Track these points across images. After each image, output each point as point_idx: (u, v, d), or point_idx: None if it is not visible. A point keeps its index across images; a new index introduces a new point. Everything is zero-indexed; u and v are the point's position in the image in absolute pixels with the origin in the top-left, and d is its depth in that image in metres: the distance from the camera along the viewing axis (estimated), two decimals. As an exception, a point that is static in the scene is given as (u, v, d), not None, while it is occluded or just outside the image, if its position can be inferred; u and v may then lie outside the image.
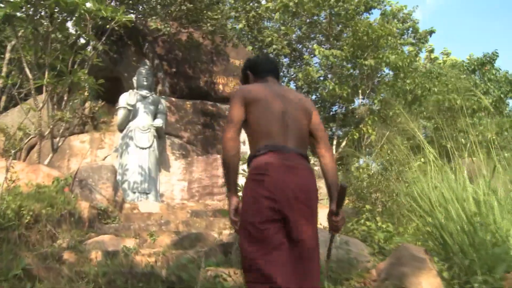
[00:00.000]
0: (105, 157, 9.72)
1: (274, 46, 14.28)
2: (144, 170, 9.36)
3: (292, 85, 16.78)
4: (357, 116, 10.28)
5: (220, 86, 11.65)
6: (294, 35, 15.63)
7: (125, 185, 9.09)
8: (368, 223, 4.47)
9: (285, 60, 16.44)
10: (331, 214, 2.45)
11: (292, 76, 16.40)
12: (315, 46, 12.73)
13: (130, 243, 4.70)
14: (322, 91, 12.80)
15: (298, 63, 16.55)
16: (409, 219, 4.48)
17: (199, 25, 11.05)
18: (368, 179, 5.43)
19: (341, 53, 11.42)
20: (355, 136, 9.42)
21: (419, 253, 3.32)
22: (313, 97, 16.96)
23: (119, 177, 9.26)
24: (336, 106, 15.35)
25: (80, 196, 5.99)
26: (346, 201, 5.97)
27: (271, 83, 2.72)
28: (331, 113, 17.02)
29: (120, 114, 9.89)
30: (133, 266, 3.83)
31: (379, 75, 10.85)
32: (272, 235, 2.21)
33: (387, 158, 5.86)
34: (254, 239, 2.22)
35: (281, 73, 16.83)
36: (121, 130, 9.97)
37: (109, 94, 10.59)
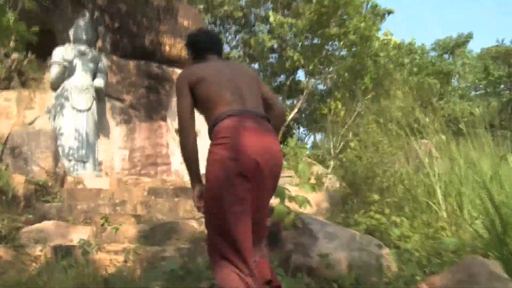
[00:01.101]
0: (35, 119, 8.56)
1: (225, 8, 13.38)
2: (81, 135, 8.37)
3: (237, 51, 16.01)
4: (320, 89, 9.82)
5: (167, 47, 10.67)
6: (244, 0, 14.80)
7: (60, 150, 8.06)
8: (377, 215, 4.01)
9: (233, 28, 15.59)
10: None
11: (239, 43, 15.63)
12: (270, 13, 12.02)
13: (83, 232, 3.90)
14: (278, 60, 12.18)
15: (247, 30, 15.76)
16: (421, 211, 4.06)
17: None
18: (363, 162, 4.92)
19: (297, 21, 10.82)
20: (323, 112, 8.93)
21: (496, 269, 2.75)
22: (257, 66, 16.38)
23: (52, 142, 8.22)
24: (283, 77, 14.83)
25: (13, 167, 5.05)
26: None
27: (212, 60, 2.69)
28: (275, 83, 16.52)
29: (55, 71, 8.72)
30: (102, 275, 3.06)
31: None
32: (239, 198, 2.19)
33: (363, 138, 5.44)
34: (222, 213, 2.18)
35: (227, 39, 16.02)
36: (54, 89, 8.83)
37: (39, 48, 9.37)
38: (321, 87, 12.43)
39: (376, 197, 4.39)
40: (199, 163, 2.44)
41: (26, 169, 5.25)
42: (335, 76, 9.50)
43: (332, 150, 8.95)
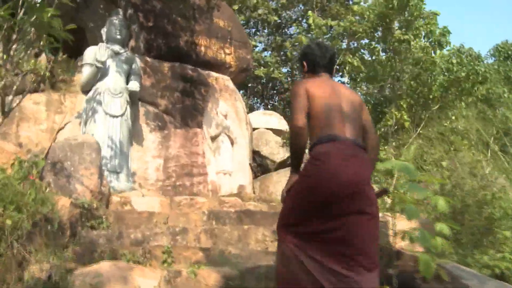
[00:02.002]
0: (65, 124, 7.90)
1: (259, 11, 12.67)
2: (114, 143, 7.68)
3: (269, 55, 15.25)
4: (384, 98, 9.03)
5: (202, 48, 9.98)
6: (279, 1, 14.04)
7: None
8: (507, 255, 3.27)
9: (265, 31, 14.85)
10: None
11: (274, 45, 14.88)
12: (310, 12, 11.28)
13: (151, 276, 3.17)
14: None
15: (279, 32, 15.02)
16: None
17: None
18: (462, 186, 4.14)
19: (339, 23, 10.08)
20: (389, 123, 8.14)
21: None
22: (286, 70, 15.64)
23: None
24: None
25: (54, 186, 4.37)
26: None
27: (325, 78, 2.85)
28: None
29: (87, 72, 8.05)
30: None
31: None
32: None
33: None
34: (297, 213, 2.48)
35: (262, 43, 15.30)
36: (85, 92, 8.16)
37: (68, 47, 8.73)
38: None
39: (507, 234, 3.63)
40: (303, 158, 2.64)
41: (69, 188, 4.56)
42: (399, 84, 8.74)
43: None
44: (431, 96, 7.79)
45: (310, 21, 11.03)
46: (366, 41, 11.95)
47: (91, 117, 7.73)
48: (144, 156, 8.39)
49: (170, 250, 3.70)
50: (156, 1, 9.58)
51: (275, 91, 17.01)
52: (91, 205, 4.41)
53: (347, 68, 8.61)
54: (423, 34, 8.14)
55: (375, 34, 8.73)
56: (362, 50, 12.74)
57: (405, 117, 7.80)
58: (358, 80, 8.79)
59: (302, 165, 2.59)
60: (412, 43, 8.21)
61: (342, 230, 2.37)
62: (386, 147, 8.37)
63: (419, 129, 7.92)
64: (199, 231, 4.34)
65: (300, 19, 15.04)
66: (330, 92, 2.68)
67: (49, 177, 4.55)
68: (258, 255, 3.87)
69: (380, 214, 4.16)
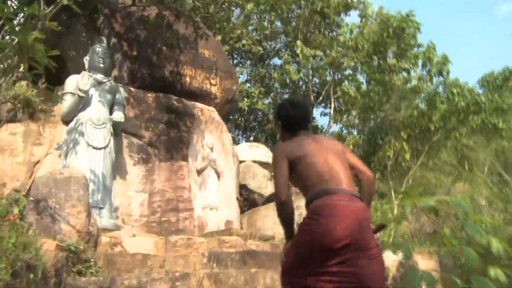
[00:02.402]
0: (44, 156, 7.40)
1: (243, 42, 12.53)
2: (97, 176, 7.22)
3: (251, 86, 15.05)
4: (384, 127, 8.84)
5: (187, 79, 9.70)
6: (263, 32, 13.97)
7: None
8: None
9: (248, 62, 14.70)
10: None
11: (258, 75, 14.70)
12: (298, 42, 11.17)
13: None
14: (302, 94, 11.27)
15: (266, 62, 14.91)
16: None
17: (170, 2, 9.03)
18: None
19: (328, 54, 9.98)
20: (388, 153, 7.90)
21: None
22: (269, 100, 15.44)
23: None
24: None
25: (37, 227, 3.90)
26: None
27: (303, 136, 2.87)
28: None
29: (68, 102, 7.63)
30: None
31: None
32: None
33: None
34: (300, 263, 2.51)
35: (245, 74, 15.15)
36: (66, 123, 7.71)
37: (48, 76, 8.34)
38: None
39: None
40: (294, 223, 2.71)
41: (54, 228, 4.07)
42: (396, 115, 8.59)
43: (395, 204, 7.92)
44: (432, 127, 7.66)
45: (298, 51, 10.92)
46: (349, 71, 11.93)
47: (72, 149, 7.27)
48: (127, 191, 7.92)
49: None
50: (140, 30, 9.31)
51: (256, 123, 16.82)
52: (78, 248, 3.95)
53: (345, 98, 8.45)
54: (420, 63, 8.11)
55: (371, 64, 8.61)
56: (346, 82, 12.73)
57: (406, 147, 7.63)
58: (352, 110, 8.63)
59: (301, 221, 2.60)
60: (411, 72, 8.15)
61: (351, 274, 2.40)
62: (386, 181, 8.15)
63: (420, 159, 7.73)
64: (202, 276, 3.91)
65: (283, 49, 15.05)
66: (312, 149, 2.72)
67: (32, 217, 4.06)
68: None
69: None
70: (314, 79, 13.09)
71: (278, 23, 14.15)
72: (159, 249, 5.08)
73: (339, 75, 12.86)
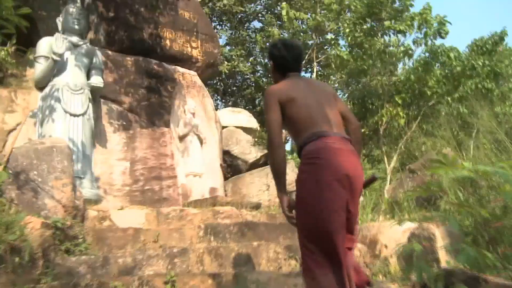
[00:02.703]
0: (17, 125, 7.01)
1: (224, 1, 12.02)
2: (76, 145, 6.88)
3: (232, 49, 14.61)
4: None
5: (167, 42, 9.28)
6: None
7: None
8: None
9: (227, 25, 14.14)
10: None
11: (239, 38, 14.22)
12: (284, 4, 10.74)
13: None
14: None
15: (245, 25, 14.41)
16: None
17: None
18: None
19: (313, 16, 9.64)
20: (384, 119, 7.64)
21: None
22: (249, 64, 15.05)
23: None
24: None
25: (19, 202, 3.60)
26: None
27: (295, 78, 2.85)
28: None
29: (41, 66, 7.18)
30: None
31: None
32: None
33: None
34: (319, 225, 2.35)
35: (225, 37, 14.65)
36: (40, 89, 7.29)
37: (18, 38, 7.84)
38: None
39: None
40: (286, 175, 2.61)
41: (37, 204, 3.77)
42: (395, 78, 8.33)
43: (388, 169, 7.79)
44: (429, 92, 7.44)
45: (284, 13, 10.52)
46: (332, 35, 11.63)
47: (48, 116, 6.89)
48: (108, 159, 7.62)
49: (174, 280, 3.07)
50: (117, -11, 8.78)
51: (236, 88, 16.45)
52: (65, 224, 3.67)
53: (336, 61, 8.16)
54: (416, 25, 7.84)
55: (362, 26, 8.30)
56: (326, 46, 12.44)
57: (401, 113, 7.42)
58: (340, 74, 8.36)
59: (298, 171, 2.56)
60: (406, 34, 7.89)
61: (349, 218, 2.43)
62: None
63: (414, 125, 7.57)
64: (202, 252, 3.69)
65: (263, 12, 14.58)
66: (304, 92, 2.69)
67: (12, 192, 3.72)
68: (278, 279, 3.31)
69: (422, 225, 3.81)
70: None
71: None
72: (151, 222, 4.85)
73: (320, 39, 12.54)
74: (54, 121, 6.85)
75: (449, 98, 7.59)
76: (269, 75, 15.57)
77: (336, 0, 11.22)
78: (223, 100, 16.45)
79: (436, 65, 7.60)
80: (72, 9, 7.69)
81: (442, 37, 7.81)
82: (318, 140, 2.48)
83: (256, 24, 15.15)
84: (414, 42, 8.16)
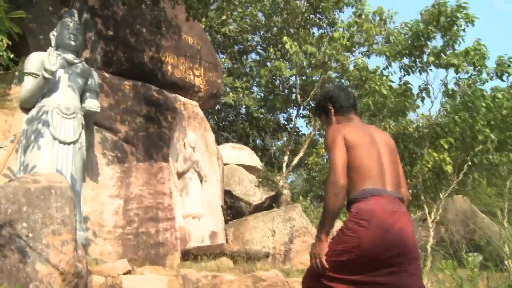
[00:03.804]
0: (-4, 150, 5.94)
1: (230, 27, 11.29)
2: (64, 178, 5.81)
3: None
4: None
5: (169, 67, 8.42)
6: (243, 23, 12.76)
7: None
8: None
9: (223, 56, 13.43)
10: None
11: (238, 69, 13.47)
12: (285, 38, 10.10)
13: None
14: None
15: (244, 56, 13.71)
16: None
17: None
18: None
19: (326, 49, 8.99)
20: (428, 165, 6.79)
21: None
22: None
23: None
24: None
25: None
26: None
27: (357, 121, 2.73)
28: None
29: (30, 85, 6.20)
30: None
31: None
32: None
33: None
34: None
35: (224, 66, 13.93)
36: (26, 110, 6.28)
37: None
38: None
39: None
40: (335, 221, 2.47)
41: (24, 271, 2.65)
42: (438, 118, 7.52)
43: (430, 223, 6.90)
44: (479, 136, 6.66)
45: (287, 46, 9.86)
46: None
47: (34, 142, 5.85)
48: (99, 196, 6.57)
49: None
50: (117, 7, 7.96)
51: (227, 123, 15.57)
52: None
53: (375, 97, 7.39)
54: (468, 61, 7.16)
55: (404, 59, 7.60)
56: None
57: (448, 159, 6.60)
58: (382, 115, 7.57)
59: (343, 225, 2.40)
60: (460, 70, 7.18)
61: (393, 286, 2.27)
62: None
63: (461, 175, 6.75)
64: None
65: (263, 44, 13.94)
66: (368, 138, 2.54)
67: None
68: None
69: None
70: (297, 79, 12.04)
71: (260, 16, 13.08)
72: (174, 288, 3.81)
73: (326, 76, 11.92)
74: (40, 148, 5.81)
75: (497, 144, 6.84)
76: (266, 111, 14.86)
77: (346, 35, 10.67)
78: (215, 135, 15.54)
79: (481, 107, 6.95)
80: (69, 22, 6.78)
81: (503, 80, 7.19)
82: (372, 199, 2.35)
83: (254, 56, 14.48)
84: (457, 82, 7.46)
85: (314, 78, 11.50)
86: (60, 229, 2.94)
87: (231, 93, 12.49)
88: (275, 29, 13.52)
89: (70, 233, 3.02)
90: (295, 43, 10.12)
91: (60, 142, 5.96)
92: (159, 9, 7.66)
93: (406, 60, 7.79)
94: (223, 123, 15.49)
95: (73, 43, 6.68)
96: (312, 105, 12.11)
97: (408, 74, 7.84)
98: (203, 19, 10.18)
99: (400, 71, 7.77)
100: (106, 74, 7.46)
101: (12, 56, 4.95)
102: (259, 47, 14.18)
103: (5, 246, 2.64)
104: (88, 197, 6.36)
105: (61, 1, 7.82)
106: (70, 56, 6.59)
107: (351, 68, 11.49)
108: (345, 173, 2.38)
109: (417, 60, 7.67)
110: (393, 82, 7.94)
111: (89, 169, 6.54)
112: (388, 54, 8.13)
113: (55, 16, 7.63)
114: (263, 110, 14.57)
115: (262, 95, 14.48)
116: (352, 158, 2.43)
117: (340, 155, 2.41)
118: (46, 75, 6.02)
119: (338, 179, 2.35)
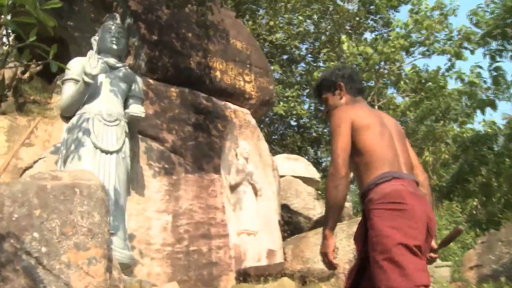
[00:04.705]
0: (34, 162, 5.47)
1: (277, 35, 10.70)
2: (107, 192, 5.25)
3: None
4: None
5: (218, 73, 7.83)
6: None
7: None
8: None
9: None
10: (430, 250, 2.31)
11: (288, 80, 12.85)
12: (343, 38, 9.39)
13: None
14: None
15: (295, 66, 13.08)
16: None
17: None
18: None
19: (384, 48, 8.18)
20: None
21: None
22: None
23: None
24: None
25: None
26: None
27: (365, 103, 2.59)
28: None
29: (70, 91, 5.74)
30: None
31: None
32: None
33: None
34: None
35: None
36: (67, 118, 5.81)
37: (43, 60, 6.53)
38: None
39: None
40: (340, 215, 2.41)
41: None
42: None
43: None
44: None
45: (345, 47, 9.12)
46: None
47: (74, 152, 5.34)
48: (145, 211, 5.96)
49: None
50: (161, 11, 7.50)
51: (277, 136, 14.85)
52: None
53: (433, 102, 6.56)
54: None
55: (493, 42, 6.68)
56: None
57: None
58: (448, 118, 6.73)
59: (375, 211, 2.15)
60: None
61: None
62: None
63: None
64: None
65: (308, 55, 13.28)
66: (379, 120, 2.37)
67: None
68: None
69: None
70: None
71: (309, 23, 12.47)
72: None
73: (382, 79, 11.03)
74: (81, 158, 5.29)
75: None
76: (318, 122, 14.07)
77: (403, 34, 9.80)
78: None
79: None
80: (111, 25, 6.34)
81: None
82: (396, 181, 2.19)
83: (303, 66, 13.79)
84: None
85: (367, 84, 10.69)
86: (86, 242, 2.18)
87: (281, 103, 11.83)
88: (323, 38, 12.88)
89: (101, 248, 2.26)
90: (353, 43, 9.37)
91: (102, 151, 5.42)
92: (206, 8, 7.11)
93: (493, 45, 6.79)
94: (273, 136, 14.81)
95: (115, 46, 6.21)
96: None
97: (495, 61, 6.84)
98: (249, 23, 9.61)
99: (484, 57, 6.79)
100: (151, 81, 6.95)
101: (60, 65, 4.47)
102: (309, 55, 13.52)
103: (5, 266, 1.91)
104: (133, 212, 5.77)
105: (104, 7, 7.44)
106: (112, 60, 6.12)
107: (407, 69, 10.58)
108: (346, 163, 2.24)
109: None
110: (481, 68, 6.95)
111: (134, 181, 5.97)
112: (453, 51, 7.24)
113: (97, 24, 7.26)
114: (315, 122, 13.80)
115: (313, 107, 13.75)
116: (365, 141, 2.27)
117: (342, 143, 2.26)
118: (87, 79, 5.54)
119: (338, 170, 2.22)
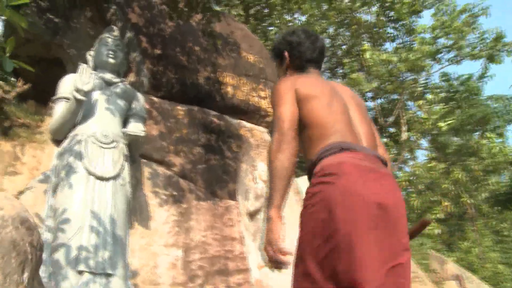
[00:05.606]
0: (20, 193, 4.71)
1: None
2: (102, 223, 4.46)
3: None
4: None
5: (229, 89, 7.11)
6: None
7: (60, 255, 4.13)
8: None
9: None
10: None
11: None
12: (365, 46, 8.69)
13: None
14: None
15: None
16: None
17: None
18: None
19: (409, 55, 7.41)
20: None
21: None
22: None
23: (47, 237, 4.36)
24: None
25: None
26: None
27: (316, 75, 2.23)
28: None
29: (60, 110, 5.03)
30: None
31: None
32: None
33: None
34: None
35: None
36: (58, 142, 5.08)
37: (38, 82, 5.95)
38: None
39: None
40: (288, 189, 1.91)
41: None
42: None
43: None
44: None
45: (368, 55, 8.41)
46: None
47: (65, 180, 4.58)
48: (151, 245, 5.13)
49: None
50: (164, 24, 6.86)
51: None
52: None
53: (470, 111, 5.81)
54: None
55: None
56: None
57: None
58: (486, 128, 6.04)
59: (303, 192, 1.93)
60: None
61: None
62: None
63: None
64: None
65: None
66: (329, 91, 2.05)
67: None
68: None
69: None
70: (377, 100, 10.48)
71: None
72: None
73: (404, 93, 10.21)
74: (72, 186, 4.52)
75: None
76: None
77: (429, 40, 9.02)
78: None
79: None
80: (108, 38, 5.69)
81: None
82: (341, 153, 1.82)
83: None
84: None
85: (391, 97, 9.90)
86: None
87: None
88: (339, 52, 12.22)
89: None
90: (377, 52, 8.66)
91: (97, 177, 4.65)
92: (213, 14, 6.43)
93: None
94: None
95: (112, 60, 5.53)
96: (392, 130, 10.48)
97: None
98: (263, 41, 8.96)
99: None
100: (155, 99, 6.24)
101: (19, 63, 3.74)
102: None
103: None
104: (136, 247, 4.94)
105: (102, 22, 6.82)
106: (108, 75, 5.42)
107: (437, 77, 9.78)
108: (294, 127, 1.91)
109: None
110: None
111: (137, 211, 5.17)
112: (487, 54, 6.49)
113: (95, 40, 6.65)
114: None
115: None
116: (310, 112, 1.96)
117: (288, 110, 1.94)
118: (78, 96, 4.83)
119: (284, 133, 1.86)
